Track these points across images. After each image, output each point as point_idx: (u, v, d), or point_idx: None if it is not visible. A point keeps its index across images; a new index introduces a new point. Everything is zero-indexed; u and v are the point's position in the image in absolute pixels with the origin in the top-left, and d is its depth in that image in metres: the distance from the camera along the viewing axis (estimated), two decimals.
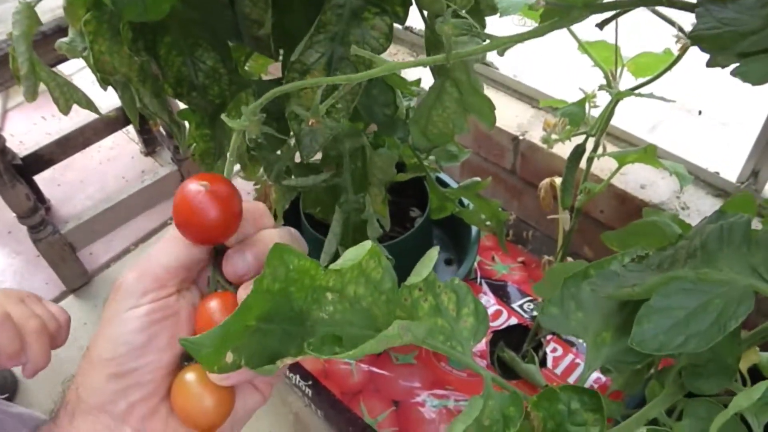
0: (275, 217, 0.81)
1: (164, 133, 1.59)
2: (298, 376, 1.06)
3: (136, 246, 1.57)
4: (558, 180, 0.84)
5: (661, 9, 0.53)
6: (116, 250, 1.56)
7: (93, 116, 1.40)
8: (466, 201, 1.02)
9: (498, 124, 1.29)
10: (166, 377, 0.31)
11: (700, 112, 1.14)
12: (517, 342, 1.04)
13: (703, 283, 0.34)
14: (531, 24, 0.65)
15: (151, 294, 0.30)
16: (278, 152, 0.73)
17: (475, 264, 1.18)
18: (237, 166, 0.78)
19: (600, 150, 0.75)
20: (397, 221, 0.97)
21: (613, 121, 0.76)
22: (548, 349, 1.04)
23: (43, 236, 1.35)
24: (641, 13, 0.49)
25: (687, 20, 0.38)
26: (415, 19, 0.57)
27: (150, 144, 1.73)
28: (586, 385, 0.40)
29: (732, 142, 1.07)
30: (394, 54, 1.38)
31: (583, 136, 0.74)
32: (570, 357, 1.03)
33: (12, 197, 1.26)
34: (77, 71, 1.85)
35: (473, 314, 0.40)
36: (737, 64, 0.30)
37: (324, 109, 0.37)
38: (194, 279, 0.33)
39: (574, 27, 0.67)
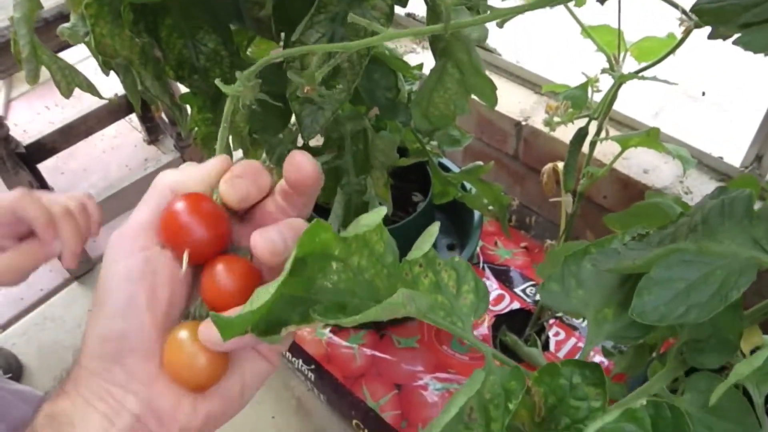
0: None
1: (167, 120, 1.58)
2: (300, 361, 1.06)
3: None
4: (561, 165, 0.84)
5: None
6: None
7: (96, 105, 1.40)
8: (468, 186, 1.02)
9: (501, 109, 1.28)
10: (157, 341, 0.30)
11: (703, 93, 1.14)
12: (519, 326, 1.05)
13: (704, 255, 0.34)
14: None
15: (126, 251, 0.30)
16: (280, 135, 0.73)
17: (478, 249, 1.18)
18: (239, 153, 0.78)
19: (603, 134, 0.75)
20: (399, 206, 0.98)
21: (616, 107, 0.76)
22: (551, 333, 1.04)
23: None
24: None
25: (690, 4, 0.38)
26: (417, 6, 0.57)
27: (153, 132, 1.73)
28: None
29: (736, 127, 1.07)
30: (396, 41, 1.37)
31: (586, 119, 0.74)
32: (572, 341, 1.03)
33: (16, 186, 1.26)
34: (79, 61, 1.85)
35: (473, 291, 0.40)
36: (739, 35, 0.30)
37: (320, 77, 0.37)
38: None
39: (578, 11, 0.67)
